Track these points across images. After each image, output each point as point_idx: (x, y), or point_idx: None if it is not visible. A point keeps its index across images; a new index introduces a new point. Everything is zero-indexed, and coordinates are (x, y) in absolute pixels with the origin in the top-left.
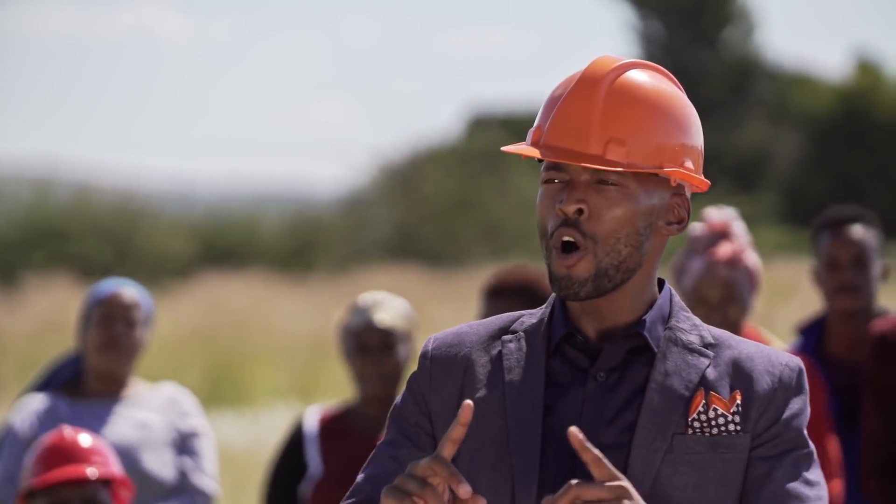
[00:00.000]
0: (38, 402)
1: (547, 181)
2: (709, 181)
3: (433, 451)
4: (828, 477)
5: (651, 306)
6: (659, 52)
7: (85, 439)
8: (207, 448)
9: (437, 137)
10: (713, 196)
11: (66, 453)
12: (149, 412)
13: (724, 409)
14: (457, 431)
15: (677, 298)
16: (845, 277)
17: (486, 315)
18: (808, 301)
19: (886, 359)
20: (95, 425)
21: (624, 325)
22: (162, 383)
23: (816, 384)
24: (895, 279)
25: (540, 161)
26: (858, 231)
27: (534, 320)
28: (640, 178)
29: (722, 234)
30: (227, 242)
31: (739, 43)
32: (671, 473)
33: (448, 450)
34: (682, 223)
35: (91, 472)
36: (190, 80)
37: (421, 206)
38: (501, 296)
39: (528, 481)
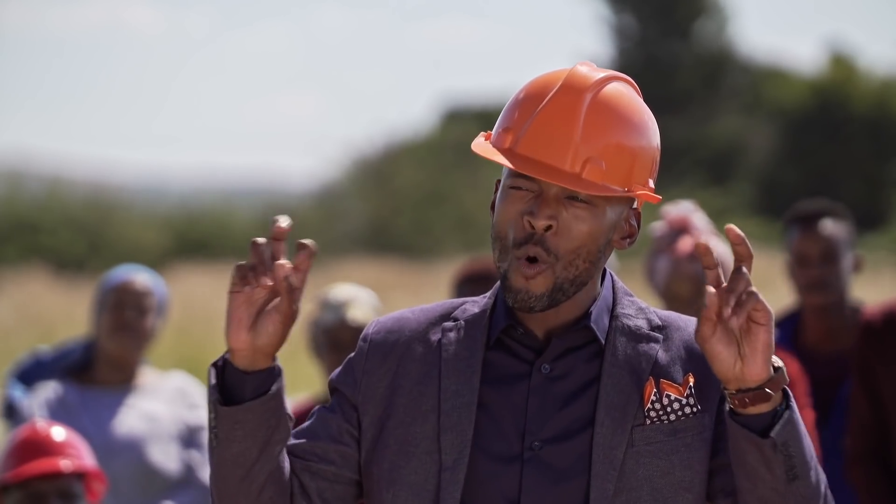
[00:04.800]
0: (48, 390)
1: (514, 188)
2: (659, 196)
3: (359, 435)
4: None
5: (595, 301)
6: (631, 44)
7: (58, 432)
8: None
9: (409, 130)
10: (687, 188)
11: (40, 447)
12: (157, 403)
13: (677, 395)
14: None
15: (620, 284)
16: (815, 273)
17: None
18: (782, 292)
19: (872, 344)
20: (104, 414)
21: (569, 321)
22: (172, 373)
23: (796, 374)
24: (871, 270)
25: None
26: (828, 226)
27: (476, 310)
28: (609, 196)
29: (682, 229)
30: (200, 235)
31: (713, 35)
32: (635, 466)
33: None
34: (633, 237)
35: (65, 464)
36: (161, 72)
37: (394, 199)
38: (473, 283)
39: (455, 481)
